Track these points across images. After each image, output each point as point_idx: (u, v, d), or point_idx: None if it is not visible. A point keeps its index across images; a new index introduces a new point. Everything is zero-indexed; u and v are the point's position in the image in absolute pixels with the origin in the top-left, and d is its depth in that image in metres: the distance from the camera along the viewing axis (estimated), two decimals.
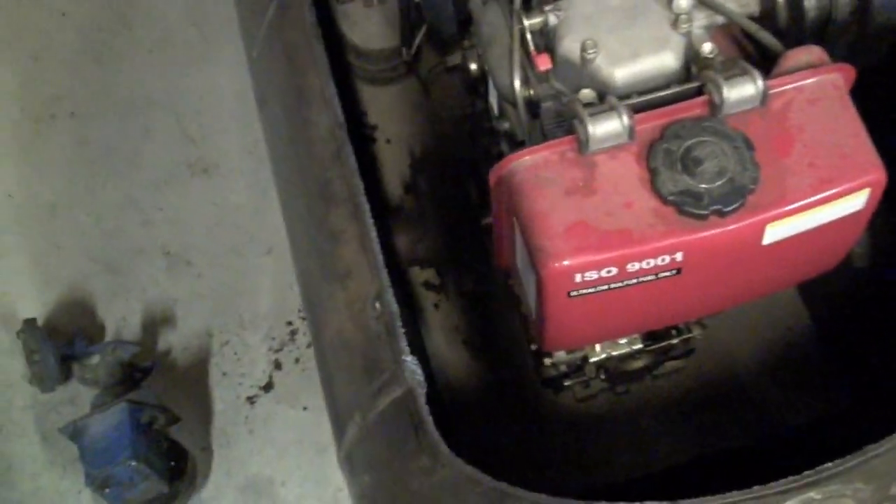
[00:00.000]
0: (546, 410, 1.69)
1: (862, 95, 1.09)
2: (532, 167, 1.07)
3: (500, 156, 1.47)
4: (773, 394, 1.67)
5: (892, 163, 1.06)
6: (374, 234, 1.14)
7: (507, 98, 1.26)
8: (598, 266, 1.03)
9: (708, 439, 1.63)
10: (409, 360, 1.08)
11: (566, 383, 1.57)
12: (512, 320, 1.77)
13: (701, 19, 1.15)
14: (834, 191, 1.03)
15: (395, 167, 1.79)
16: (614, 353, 1.48)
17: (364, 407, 1.12)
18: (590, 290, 1.06)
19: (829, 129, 1.06)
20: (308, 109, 1.27)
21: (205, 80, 2.40)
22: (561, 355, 1.55)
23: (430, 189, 1.53)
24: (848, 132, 1.06)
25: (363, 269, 1.15)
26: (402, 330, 1.10)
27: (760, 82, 1.04)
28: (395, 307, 1.11)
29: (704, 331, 1.50)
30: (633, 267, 1.04)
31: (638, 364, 1.51)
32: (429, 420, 1.05)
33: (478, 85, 1.56)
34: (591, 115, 1.05)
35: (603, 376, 1.56)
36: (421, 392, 1.06)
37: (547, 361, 1.56)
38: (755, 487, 0.98)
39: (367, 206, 1.16)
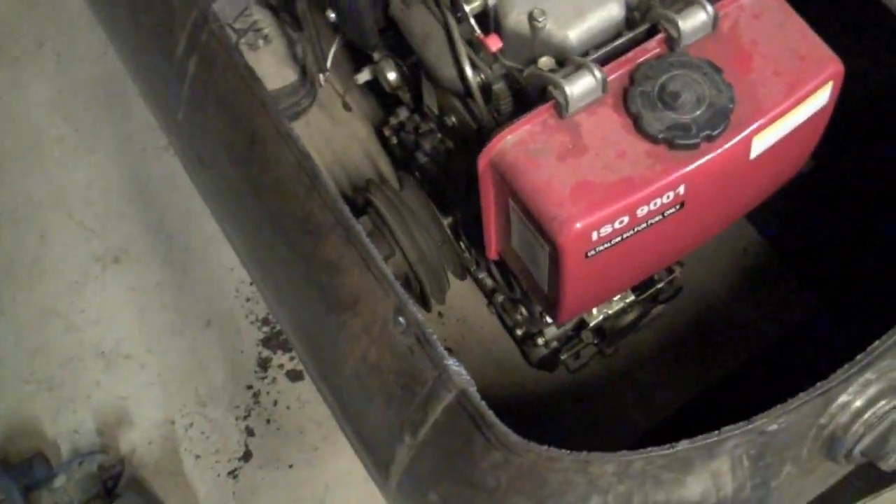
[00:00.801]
0: (544, 392, 1.70)
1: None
2: (519, 142, 1.08)
3: (448, 153, 1.47)
4: (748, 315, 1.73)
5: None
6: (375, 251, 1.12)
7: (455, 90, 1.26)
8: (611, 218, 1.05)
9: (704, 374, 1.67)
10: (452, 362, 1.06)
11: (562, 356, 1.58)
12: (486, 317, 1.77)
13: None
14: (804, 90, 1.08)
15: None
16: (610, 312, 1.50)
17: (414, 423, 1.09)
18: (605, 246, 1.07)
19: (780, 37, 1.11)
20: (263, 151, 1.24)
21: (88, 170, 2.30)
22: (552, 331, 1.56)
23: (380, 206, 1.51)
24: (797, 35, 1.11)
25: (373, 289, 1.12)
26: (434, 336, 1.08)
27: (710, 8, 1.08)
28: (420, 317, 1.09)
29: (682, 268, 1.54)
30: (641, 211, 1.06)
31: (630, 317, 1.54)
32: (490, 414, 1.03)
33: (399, 93, 1.55)
34: (564, 77, 1.06)
35: (596, 340, 1.58)
36: (474, 391, 1.04)
37: (539, 341, 1.56)
38: (818, 384, 1.00)
39: (360, 227, 1.13)
